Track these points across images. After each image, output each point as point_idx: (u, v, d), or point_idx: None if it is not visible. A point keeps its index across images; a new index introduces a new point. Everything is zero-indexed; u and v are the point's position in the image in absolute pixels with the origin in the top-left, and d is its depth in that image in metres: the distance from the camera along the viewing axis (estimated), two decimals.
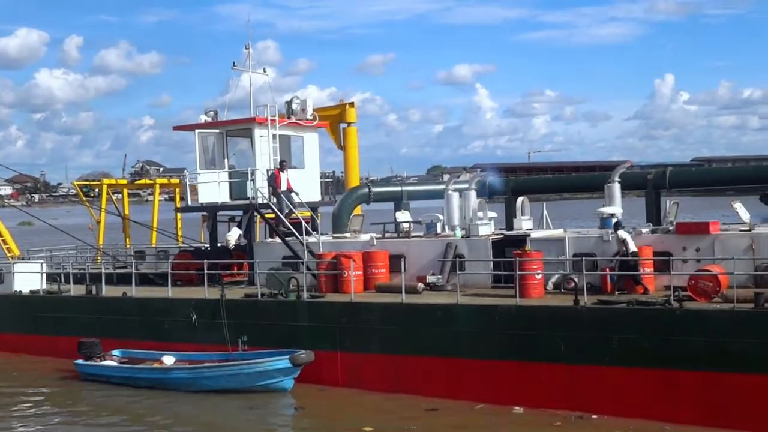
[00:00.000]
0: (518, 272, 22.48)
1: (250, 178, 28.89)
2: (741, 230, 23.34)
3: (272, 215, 29.18)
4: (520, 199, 28.86)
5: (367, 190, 32.17)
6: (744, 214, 24.25)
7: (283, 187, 28.97)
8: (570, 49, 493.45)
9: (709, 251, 22.59)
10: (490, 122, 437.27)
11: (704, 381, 19.43)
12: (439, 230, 27.98)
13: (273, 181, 28.85)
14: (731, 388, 19.12)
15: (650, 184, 28.35)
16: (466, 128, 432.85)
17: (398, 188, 33.54)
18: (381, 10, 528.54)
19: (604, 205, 26.74)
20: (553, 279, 23.96)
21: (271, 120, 29.56)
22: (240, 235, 29.93)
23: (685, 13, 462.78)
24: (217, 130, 30.52)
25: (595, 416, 20.38)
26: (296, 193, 29.33)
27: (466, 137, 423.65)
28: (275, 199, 28.79)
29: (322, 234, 29.24)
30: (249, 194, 29.00)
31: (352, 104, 37.01)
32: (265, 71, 32.07)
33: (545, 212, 33.49)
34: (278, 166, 29.19)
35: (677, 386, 19.73)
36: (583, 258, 22.33)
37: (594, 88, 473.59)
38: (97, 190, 46.46)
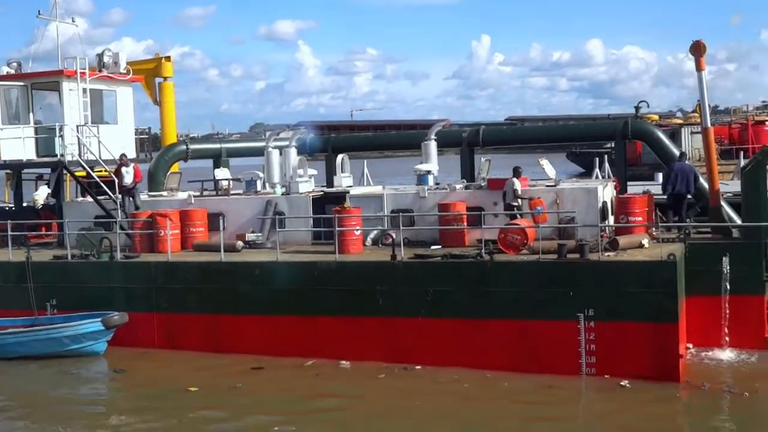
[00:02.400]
0: (337, 229, 22.68)
1: (58, 134, 27.40)
2: (547, 186, 24.56)
3: (83, 173, 27.89)
4: (339, 157, 29.05)
5: (184, 147, 31.28)
6: (550, 171, 25.50)
7: (128, 181, 27.07)
8: (391, 7, 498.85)
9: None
10: (313, 80, 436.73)
11: (514, 329, 20.44)
12: (259, 188, 27.73)
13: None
14: (537, 335, 20.21)
15: (465, 142, 29.29)
16: (289, 85, 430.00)
17: (217, 145, 32.83)
18: None
19: (421, 163, 27.35)
20: (372, 235, 24.36)
21: (80, 73, 28.07)
22: (48, 194, 28.42)
23: None
24: (21, 83, 28.69)
25: (419, 367, 20.98)
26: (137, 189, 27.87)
27: (289, 94, 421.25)
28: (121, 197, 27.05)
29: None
30: (57, 151, 27.52)
31: (168, 58, 35.90)
32: (74, 21, 30.41)
33: (366, 169, 33.89)
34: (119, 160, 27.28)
35: (490, 335, 20.62)
36: (400, 214, 22.85)
37: (415, 48, 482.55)
38: None
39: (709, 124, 23.89)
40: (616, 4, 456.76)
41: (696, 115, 54.43)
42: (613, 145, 31.81)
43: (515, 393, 19.30)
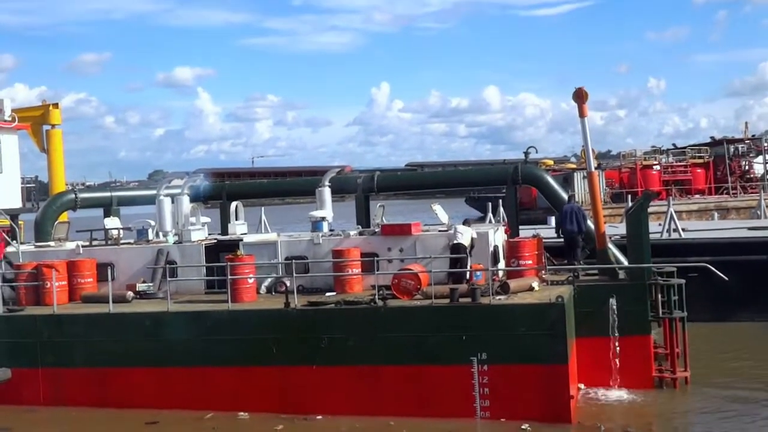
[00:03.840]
0: (230, 277, 22.35)
1: None
2: (439, 230, 24.81)
3: None
4: (233, 204, 28.75)
5: (73, 195, 30.47)
6: (443, 216, 25.78)
7: None
8: (292, 55, 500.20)
9: (411, 251, 23.80)
10: (213, 126, 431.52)
11: (409, 375, 20.40)
12: (151, 236, 27.15)
13: None
14: (432, 380, 20.22)
15: (360, 188, 29.44)
16: (189, 132, 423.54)
17: (107, 194, 32.07)
18: (96, 8, 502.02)
19: (317, 209, 27.30)
20: (266, 283, 24.10)
21: None
22: None
23: (399, 26, 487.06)
24: None
25: (320, 417, 20.69)
26: None
27: (189, 141, 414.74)
28: None
29: (23, 243, 27.28)
30: None
31: (56, 105, 35.11)
32: None
33: (263, 216, 33.62)
34: None
35: (385, 381, 20.54)
36: (293, 261, 22.68)
37: (315, 94, 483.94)
38: None
39: (593, 169, 24.75)
40: (510, 52, 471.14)
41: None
42: None
43: None
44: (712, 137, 76.81)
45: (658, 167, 67.47)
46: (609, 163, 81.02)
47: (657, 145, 78.96)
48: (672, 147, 77.60)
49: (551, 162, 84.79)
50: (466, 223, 24.21)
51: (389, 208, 30.43)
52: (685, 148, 74.67)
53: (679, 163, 69.43)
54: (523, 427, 19.38)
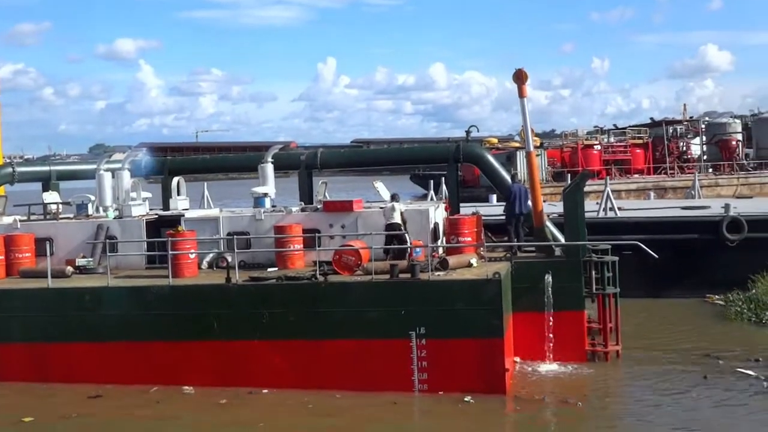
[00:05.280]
0: (171, 252, 22.36)
1: None
2: (381, 207, 25.06)
3: None
4: (175, 179, 28.62)
5: (10, 169, 30.07)
6: (384, 193, 26.04)
7: None
8: (238, 29, 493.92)
9: (352, 228, 24.03)
10: (156, 100, 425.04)
11: (349, 349, 20.74)
12: (90, 211, 26.93)
13: None
14: (372, 354, 20.58)
15: (303, 165, 29.48)
16: (131, 105, 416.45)
17: (46, 168, 31.63)
18: None
19: (259, 185, 27.35)
20: (208, 258, 24.14)
21: None
22: None
23: (347, 1, 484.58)
24: None
25: (266, 390, 20.89)
26: None
27: (131, 115, 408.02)
28: None
29: None
30: None
31: None
32: None
33: (206, 192, 33.49)
34: None
35: (325, 355, 20.85)
36: (235, 237, 22.77)
37: (261, 69, 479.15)
38: None
39: (531, 149, 25.20)
40: (457, 30, 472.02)
41: (536, 139, 56.93)
42: None
43: (363, 412, 19.58)
44: (651, 118, 78.37)
45: (599, 147, 68.66)
46: (551, 143, 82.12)
47: (599, 125, 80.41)
48: (613, 127, 78.96)
49: (495, 140, 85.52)
50: (394, 198, 24.12)
51: (333, 185, 30.55)
52: (625, 128, 76.05)
53: (619, 143, 70.73)
54: (465, 399, 19.86)
